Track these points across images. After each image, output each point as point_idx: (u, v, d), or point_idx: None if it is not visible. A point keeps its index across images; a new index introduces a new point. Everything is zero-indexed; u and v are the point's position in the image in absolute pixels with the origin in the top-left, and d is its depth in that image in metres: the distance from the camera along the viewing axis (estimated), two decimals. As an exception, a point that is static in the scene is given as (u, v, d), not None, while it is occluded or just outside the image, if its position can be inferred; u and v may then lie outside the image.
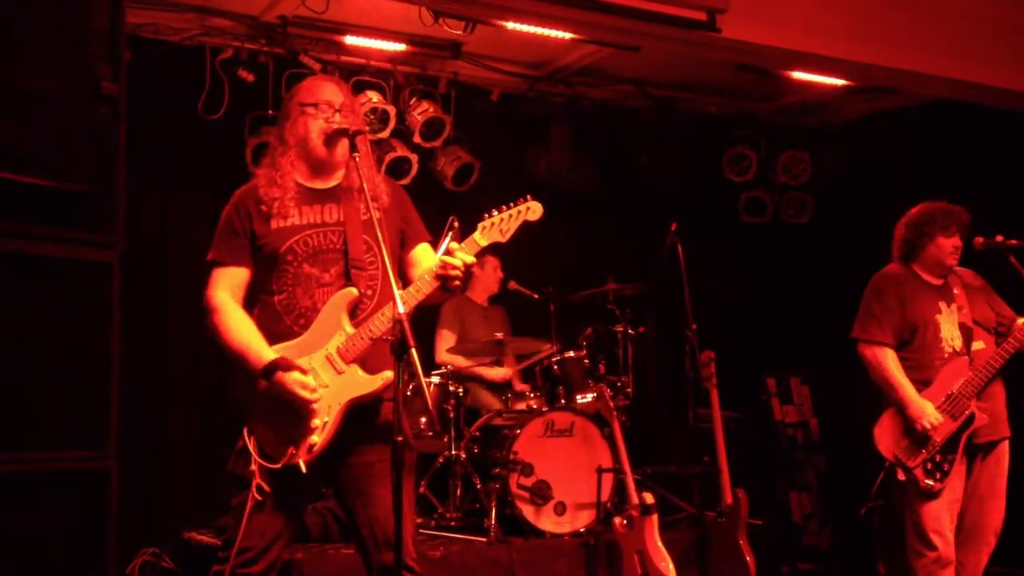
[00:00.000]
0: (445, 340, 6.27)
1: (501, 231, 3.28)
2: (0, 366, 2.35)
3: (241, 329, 3.21)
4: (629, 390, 6.13)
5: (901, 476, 4.45)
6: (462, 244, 3.25)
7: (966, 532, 4.49)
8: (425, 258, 3.47)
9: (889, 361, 4.50)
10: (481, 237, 3.27)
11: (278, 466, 3.13)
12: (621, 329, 6.35)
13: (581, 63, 6.65)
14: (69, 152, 2.47)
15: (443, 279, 3.15)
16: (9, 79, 2.35)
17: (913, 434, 4.43)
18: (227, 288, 3.28)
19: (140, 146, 5.86)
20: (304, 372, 3.14)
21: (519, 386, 6.43)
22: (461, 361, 6.14)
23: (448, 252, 3.16)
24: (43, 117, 2.42)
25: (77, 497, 2.43)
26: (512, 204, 3.32)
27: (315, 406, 3.15)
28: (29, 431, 2.38)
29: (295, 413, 3.15)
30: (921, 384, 4.46)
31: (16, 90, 2.36)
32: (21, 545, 2.36)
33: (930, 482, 4.39)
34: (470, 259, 3.16)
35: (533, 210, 3.33)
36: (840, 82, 6.53)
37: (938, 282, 4.60)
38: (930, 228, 4.55)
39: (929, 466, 4.40)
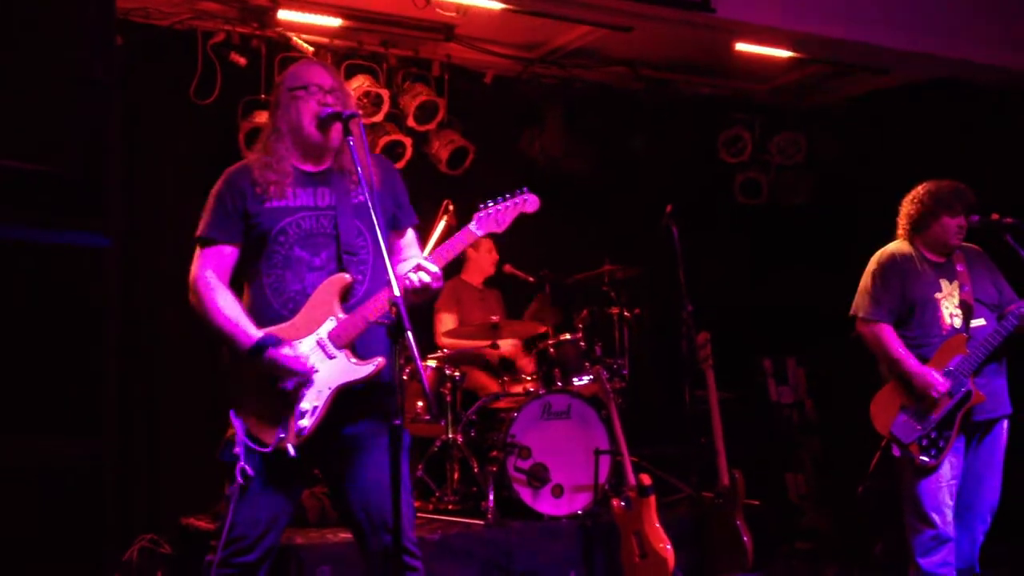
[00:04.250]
0: (444, 323, 6.27)
1: (497, 222, 3.29)
2: (-6, 353, 2.34)
3: (229, 308, 3.18)
4: (625, 372, 6.14)
5: (896, 452, 4.47)
6: (457, 234, 3.25)
7: (962, 509, 4.51)
8: (408, 250, 3.46)
9: (889, 335, 4.51)
10: (477, 227, 3.28)
11: (268, 450, 3.12)
12: (617, 311, 6.36)
13: (575, 45, 6.62)
14: (62, 138, 2.44)
15: (404, 292, 3.14)
16: (-1, 65, 2.33)
17: (910, 410, 4.45)
18: (214, 267, 3.25)
19: (132, 131, 5.86)
20: (292, 346, 3.13)
21: (523, 362, 6.42)
22: (460, 342, 6.13)
23: (416, 268, 3.16)
24: (35, 104, 2.40)
25: (73, 485, 2.43)
26: (509, 195, 3.32)
27: (305, 389, 3.14)
28: (25, 418, 2.37)
29: (284, 394, 3.14)
30: (919, 360, 4.47)
31: (6, 77, 2.34)
32: (17, 533, 2.35)
33: (925, 459, 4.40)
34: (427, 279, 3.15)
35: (530, 202, 3.35)
36: (835, 62, 6.51)
37: (941, 260, 4.60)
38: (935, 207, 4.55)
39: (924, 442, 4.42)
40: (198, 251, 3.28)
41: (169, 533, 5.51)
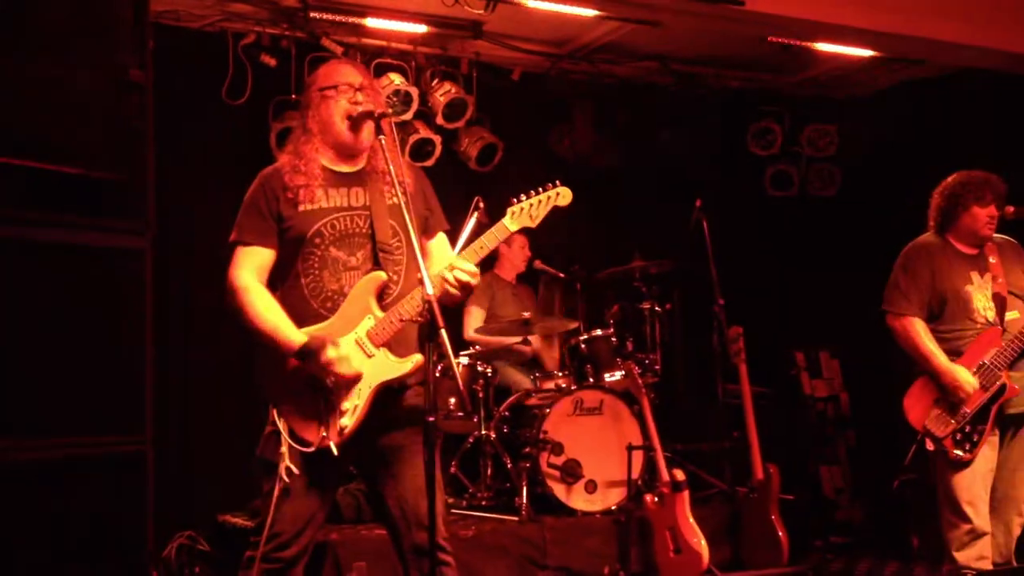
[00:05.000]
0: (474, 317, 6.28)
1: (531, 216, 3.29)
2: (38, 354, 2.38)
3: (269, 311, 3.21)
4: (657, 367, 6.13)
5: (930, 446, 4.44)
6: (491, 230, 3.26)
7: (997, 503, 4.47)
8: (438, 250, 3.48)
9: (919, 330, 4.47)
10: (511, 222, 3.29)
11: (310, 449, 3.15)
12: (648, 306, 6.34)
13: (603, 40, 6.61)
14: (99, 141, 2.48)
15: (442, 291, 3.15)
16: (38, 70, 2.36)
17: (944, 404, 4.41)
18: (251, 269, 3.27)
19: (164, 133, 5.89)
20: (337, 345, 3.15)
21: (551, 364, 6.43)
22: (490, 339, 6.15)
23: (451, 267, 3.17)
24: (73, 107, 2.44)
25: (115, 482, 2.47)
26: (541, 189, 3.32)
27: (346, 388, 3.16)
28: (67, 417, 2.41)
29: (325, 393, 3.16)
30: (953, 355, 4.44)
31: (45, 80, 2.38)
32: (61, 529, 2.39)
33: (959, 452, 4.37)
34: (465, 278, 3.17)
35: (563, 195, 3.34)
36: (866, 53, 6.45)
37: (972, 252, 4.56)
38: (964, 198, 4.50)
39: (959, 436, 4.38)
40: (235, 253, 3.30)
41: (206, 530, 5.56)
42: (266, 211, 3.28)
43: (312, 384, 3.17)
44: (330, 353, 3.12)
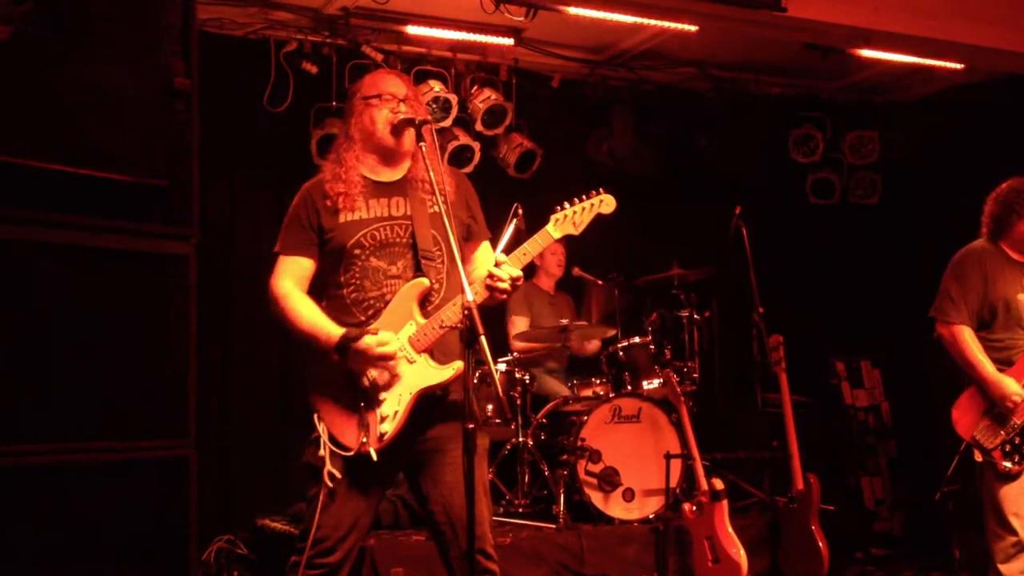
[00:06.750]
0: (517, 326, 6.27)
1: (574, 224, 3.29)
2: (86, 359, 2.41)
3: (309, 311, 3.24)
4: (696, 375, 6.10)
5: (978, 457, 4.38)
6: (534, 237, 3.25)
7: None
8: (482, 259, 3.48)
9: (967, 339, 4.41)
10: (554, 229, 3.28)
11: (350, 454, 3.16)
12: (687, 314, 6.31)
13: (643, 46, 6.59)
14: (146, 147, 2.52)
15: (491, 290, 3.15)
16: (86, 76, 2.40)
17: (993, 415, 4.36)
18: (292, 277, 3.30)
19: (207, 139, 5.94)
20: (374, 332, 3.16)
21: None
22: (533, 346, 6.14)
23: (497, 264, 3.16)
24: (120, 113, 2.48)
25: (159, 485, 2.49)
26: (585, 196, 3.31)
27: (387, 393, 3.17)
28: (113, 421, 2.44)
29: (366, 398, 3.17)
30: (1004, 364, 4.38)
31: (93, 87, 2.41)
32: (107, 532, 2.42)
33: (1008, 464, 4.31)
34: (516, 273, 3.16)
35: (606, 203, 3.32)
36: (909, 59, 6.39)
37: (1026, 260, 4.50)
38: (1019, 204, 4.44)
39: (1008, 448, 4.32)
40: (276, 263, 3.35)
41: (245, 534, 5.59)
42: (306, 223, 3.32)
43: (352, 386, 3.18)
44: (365, 340, 3.13)
